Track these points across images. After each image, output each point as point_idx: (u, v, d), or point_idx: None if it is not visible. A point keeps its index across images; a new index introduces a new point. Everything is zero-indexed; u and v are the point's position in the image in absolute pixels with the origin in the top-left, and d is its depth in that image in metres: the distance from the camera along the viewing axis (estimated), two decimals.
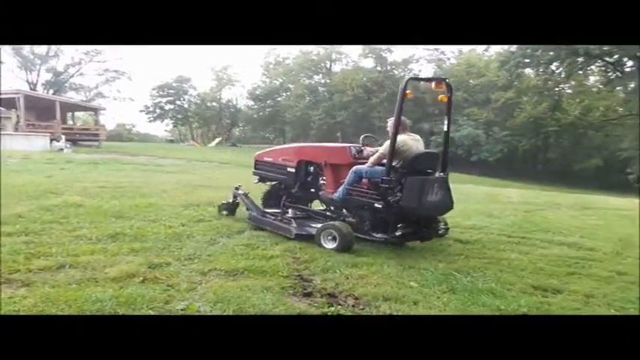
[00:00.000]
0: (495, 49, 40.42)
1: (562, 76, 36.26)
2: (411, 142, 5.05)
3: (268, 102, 50.65)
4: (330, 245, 4.79)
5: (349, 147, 5.51)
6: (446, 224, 5.65)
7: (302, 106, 46.07)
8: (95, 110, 34.20)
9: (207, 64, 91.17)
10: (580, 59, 33.29)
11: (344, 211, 5.39)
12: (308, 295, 3.52)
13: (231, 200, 6.34)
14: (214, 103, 55.93)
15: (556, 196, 13.62)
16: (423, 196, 4.66)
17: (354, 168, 5.11)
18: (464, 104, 42.08)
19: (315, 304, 3.31)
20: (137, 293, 3.22)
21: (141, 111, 55.29)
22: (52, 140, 22.39)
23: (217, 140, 48.71)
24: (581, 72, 36.59)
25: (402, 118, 5.00)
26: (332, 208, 5.58)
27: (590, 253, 5.48)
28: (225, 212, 6.28)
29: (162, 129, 62.64)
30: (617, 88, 35.86)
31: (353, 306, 3.34)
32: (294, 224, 5.44)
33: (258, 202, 6.22)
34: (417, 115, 41.84)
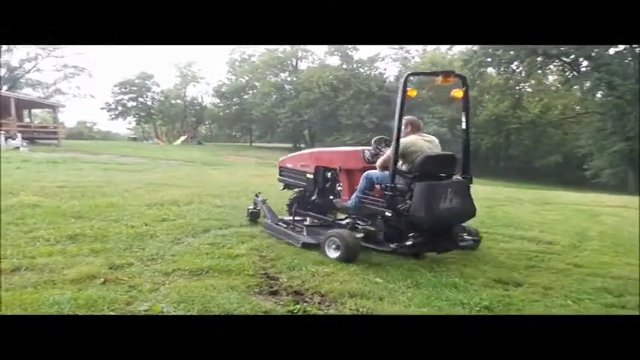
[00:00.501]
0: (458, 48, 41.12)
1: (522, 75, 37.29)
2: (422, 142, 4.66)
3: (234, 100, 50.07)
4: (334, 254, 4.43)
5: (362, 150, 5.21)
6: (476, 235, 5.07)
7: (268, 104, 45.78)
8: (53, 107, 33.04)
9: (171, 61, 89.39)
10: (539, 59, 34.30)
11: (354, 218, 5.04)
12: (274, 293, 3.51)
13: (252, 207, 6.05)
14: (179, 101, 54.90)
15: (517, 191, 14.01)
16: (433, 204, 4.27)
17: (365, 173, 4.80)
18: (429, 102, 42.76)
19: (281, 303, 3.31)
20: (97, 295, 3.14)
21: (102, 108, 53.67)
22: (7, 138, 21.55)
23: (182, 138, 47.87)
24: (540, 71, 37.70)
25: (412, 117, 4.86)
26: (352, 216, 5.14)
27: (549, 246, 5.66)
28: (249, 218, 5.97)
29: (124, 127, 61.04)
30: (574, 87, 37.13)
31: (319, 303, 3.35)
32: (304, 232, 5.17)
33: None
34: (381, 112, 42.36)
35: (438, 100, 42.41)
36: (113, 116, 54.15)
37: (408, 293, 3.61)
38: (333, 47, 45.04)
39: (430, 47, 45.99)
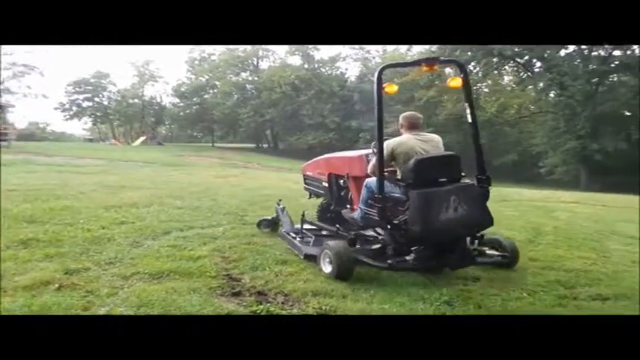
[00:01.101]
0: (417, 49, 41.85)
1: (479, 75, 38.26)
2: (414, 142, 4.09)
3: (194, 99, 49.32)
4: (327, 269, 3.96)
5: (366, 155, 4.70)
6: (509, 250, 4.42)
7: (230, 104, 45.34)
8: (2, 107, 31.63)
9: (128, 59, 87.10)
10: (495, 60, 35.33)
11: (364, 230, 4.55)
12: (237, 294, 3.47)
13: (274, 216, 5.59)
14: (136, 100, 53.66)
15: None
16: (430, 215, 3.68)
17: (365, 181, 4.31)
18: (390, 102, 43.33)
19: (244, 303, 3.28)
20: (52, 301, 3.03)
21: (56, 109, 52.00)
22: None
23: (141, 139, 46.83)
24: (496, 72, 38.83)
25: (409, 113, 4.42)
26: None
27: None
28: (265, 229, 5.54)
29: (80, 127, 59.24)
30: (529, 87, 38.45)
31: (282, 303, 3.34)
32: (311, 243, 4.65)
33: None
34: (343, 112, 42.67)
35: (398, 99, 43.08)
36: (68, 117, 52.48)
37: (371, 290, 3.65)
38: (294, 47, 45.01)
39: (390, 48, 46.62)
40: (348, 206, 4.87)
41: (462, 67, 4.23)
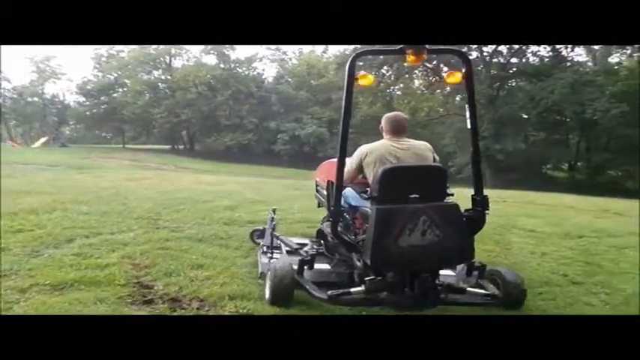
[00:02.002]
0: (333, 52, 42.66)
1: (392, 79, 39.73)
2: (390, 149, 3.52)
3: (102, 98, 46.41)
4: (266, 293, 3.46)
5: None
6: (512, 288, 3.56)
7: (141, 104, 43.34)
8: None
9: (24, 54, 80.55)
10: (405, 64, 36.77)
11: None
12: (149, 302, 3.31)
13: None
14: (36, 98, 49.68)
15: None
16: (385, 237, 3.03)
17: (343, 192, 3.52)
18: (307, 103, 43.74)
19: (157, 311, 3.14)
20: None
21: None
22: None
23: (43, 140, 43.47)
24: (407, 75, 40.48)
25: (392, 114, 3.82)
26: None
27: None
28: (259, 240, 4.84)
29: None
30: (437, 90, 40.52)
31: (198, 308, 3.24)
32: (274, 259, 3.99)
33: None
34: (261, 113, 42.41)
35: (316, 100, 43.65)
36: None
37: None
38: (209, 46, 43.99)
39: (306, 49, 47.05)
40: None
41: (464, 58, 3.44)
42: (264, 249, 4.34)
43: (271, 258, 4.07)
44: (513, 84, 35.45)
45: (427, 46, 3.09)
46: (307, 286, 3.38)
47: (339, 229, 3.38)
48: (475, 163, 3.66)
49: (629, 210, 10.83)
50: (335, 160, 3.75)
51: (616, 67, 32.37)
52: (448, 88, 37.09)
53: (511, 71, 34.69)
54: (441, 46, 4.35)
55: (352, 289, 3.27)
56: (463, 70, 3.31)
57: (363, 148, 3.61)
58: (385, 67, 37.39)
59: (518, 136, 33.24)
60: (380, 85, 39.39)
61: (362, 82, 3.26)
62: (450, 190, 3.45)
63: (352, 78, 3.17)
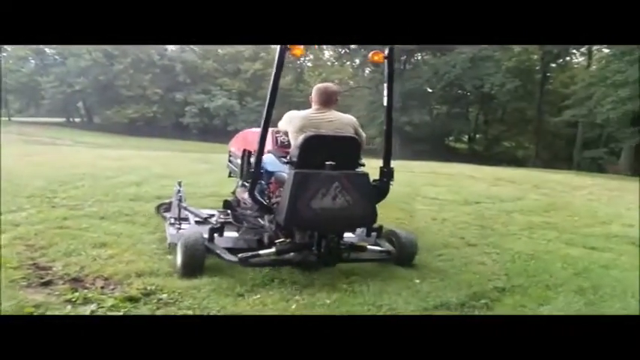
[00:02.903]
0: None
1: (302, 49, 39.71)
2: (315, 118, 3.78)
3: None
4: (178, 263, 3.50)
5: (277, 132, 4.20)
6: (404, 245, 4.03)
7: (27, 71, 39.66)
8: None
9: None
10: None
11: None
12: (47, 284, 3.14)
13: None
14: None
15: None
16: (300, 199, 3.31)
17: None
18: (215, 74, 42.45)
19: (57, 292, 2.99)
20: None
21: None
22: None
23: None
24: (317, 47, 40.65)
25: (323, 84, 4.03)
26: None
27: None
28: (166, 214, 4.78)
29: None
30: (346, 63, 41.18)
31: (102, 287, 3.13)
32: (182, 229, 4.11)
33: None
34: (165, 83, 40.58)
35: (224, 71, 42.49)
36: None
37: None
38: None
39: None
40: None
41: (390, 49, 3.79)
42: (172, 220, 4.34)
43: (179, 229, 4.13)
44: (419, 58, 36.85)
45: None
46: (218, 251, 3.56)
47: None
48: (387, 138, 4.12)
49: (519, 177, 11.92)
50: (251, 130, 4.44)
51: None
52: (357, 61, 37.80)
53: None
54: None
55: (261, 252, 3.52)
56: (386, 52, 3.69)
57: (291, 114, 3.88)
58: None
59: (423, 109, 34.92)
60: (290, 57, 39.27)
61: (295, 51, 3.42)
62: (362, 161, 3.78)
63: (284, 49, 3.37)
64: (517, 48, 33.40)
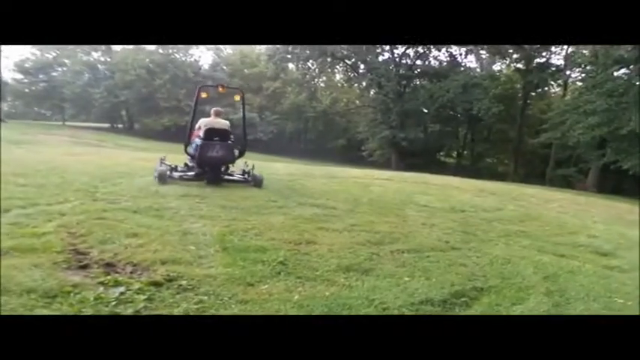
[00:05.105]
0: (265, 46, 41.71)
1: (316, 71, 39.75)
2: (212, 121, 7.53)
3: (41, 76, 42.29)
4: (156, 177, 7.00)
5: (198, 127, 7.72)
6: (254, 178, 7.56)
7: (81, 83, 40.04)
8: None
9: None
10: (328, 59, 36.97)
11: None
12: (84, 267, 3.14)
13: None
14: None
15: (312, 168, 14.98)
16: (203, 152, 7.12)
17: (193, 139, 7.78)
18: (244, 90, 42.51)
19: (91, 275, 2.99)
20: None
21: None
22: None
23: None
24: (329, 70, 40.71)
25: (216, 109, 7.86)
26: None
27: (333, 210, 6.16)
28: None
29: None
30: (354, 85, 41.16)
31: (131, 272, 3.13)
32: (160, 168, 7.37)
33: None
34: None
35: (249, 88, 42.56)
36: None
37: (217, 256, 3.61)
38: None
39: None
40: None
41: (241, 91, 8.85)
42: (160, 165, 7.60)
43: (160, 167, 7.41)
44: (417, 83, 36.77)
45: None
46: (173, 174, 7.33)
47: (189, 150, 7.72)
48: (244, 130, 8.95)
49: (500, 190, 11.80)
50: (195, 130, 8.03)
51: (497, 74, 34.67)
52: (364, 83, 37.77)
53: (416, 72, 36.05)
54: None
55: (188, 174, 7.42)
56: (239, 95, 8.85)
57: (202, 120, 7.59)
58: (310, 61, 37.31)
59: (419, 127, 34.85)
60: (306, 77, 39.32)
61: (203, 95, 7.84)
62: (232, 137, 7.62)
63: (199, 93, 7.75)
64: (502, 78, 33.27)
